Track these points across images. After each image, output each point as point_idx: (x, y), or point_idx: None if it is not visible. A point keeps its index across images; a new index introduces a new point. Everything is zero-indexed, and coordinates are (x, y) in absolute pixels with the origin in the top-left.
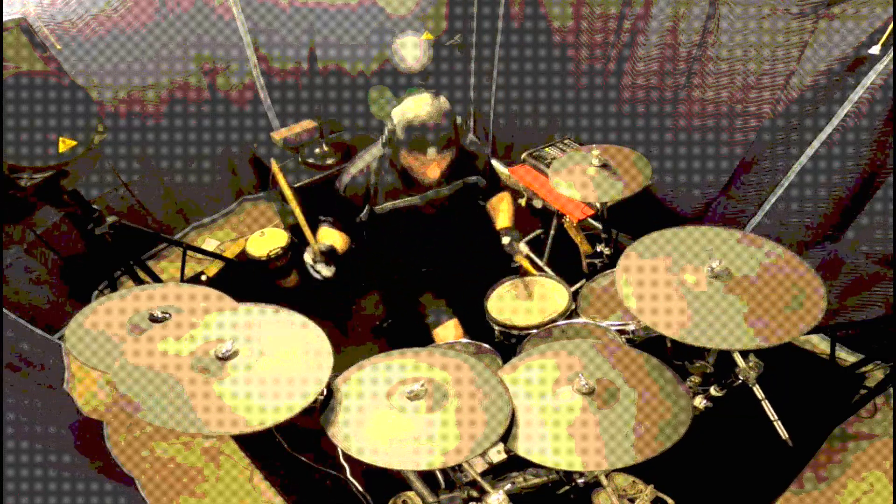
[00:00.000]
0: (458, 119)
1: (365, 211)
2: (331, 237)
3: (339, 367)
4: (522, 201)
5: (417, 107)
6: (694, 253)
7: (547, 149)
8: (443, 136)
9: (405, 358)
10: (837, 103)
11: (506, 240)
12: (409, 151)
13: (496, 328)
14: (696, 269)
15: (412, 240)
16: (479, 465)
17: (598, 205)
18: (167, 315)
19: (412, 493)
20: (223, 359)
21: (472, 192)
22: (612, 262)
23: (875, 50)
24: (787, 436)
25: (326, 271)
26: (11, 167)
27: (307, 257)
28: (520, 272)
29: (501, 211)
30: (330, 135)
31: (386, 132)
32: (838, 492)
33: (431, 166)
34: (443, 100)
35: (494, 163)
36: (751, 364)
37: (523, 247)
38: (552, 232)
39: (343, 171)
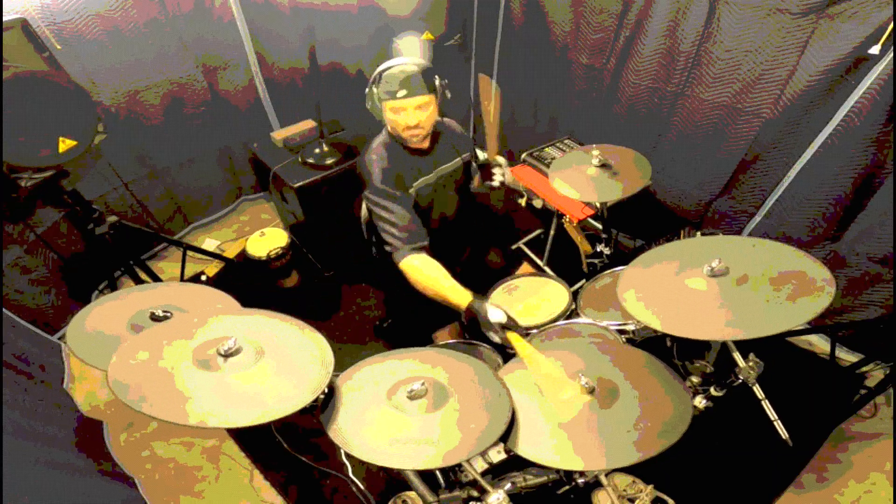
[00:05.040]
0: (439, 80)
1: None
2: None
3: (340, 367)
4: (522, 201)
5: (394, 60)
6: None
7: (547, 149)
8: (411, 76)
9: (405, 357)
10: (837, 103)
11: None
12: (382, 97)
13: None
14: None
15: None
16: (480, 465)
17: (598, 205)
18: (168, 314)
19: (412, 493)
20: (226, 355)
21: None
22: (612, 262)
23: (875, 50)
24: (787, 436)
25: (497, 337)
26: (11, 167)
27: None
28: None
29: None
30: (330, 135)
31: (367, 91)
32: (838, 492)
33: (406, 112)
34: (425, 62)
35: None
36: (751, 364)
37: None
38: (552, 232)
39: (367, 170)
